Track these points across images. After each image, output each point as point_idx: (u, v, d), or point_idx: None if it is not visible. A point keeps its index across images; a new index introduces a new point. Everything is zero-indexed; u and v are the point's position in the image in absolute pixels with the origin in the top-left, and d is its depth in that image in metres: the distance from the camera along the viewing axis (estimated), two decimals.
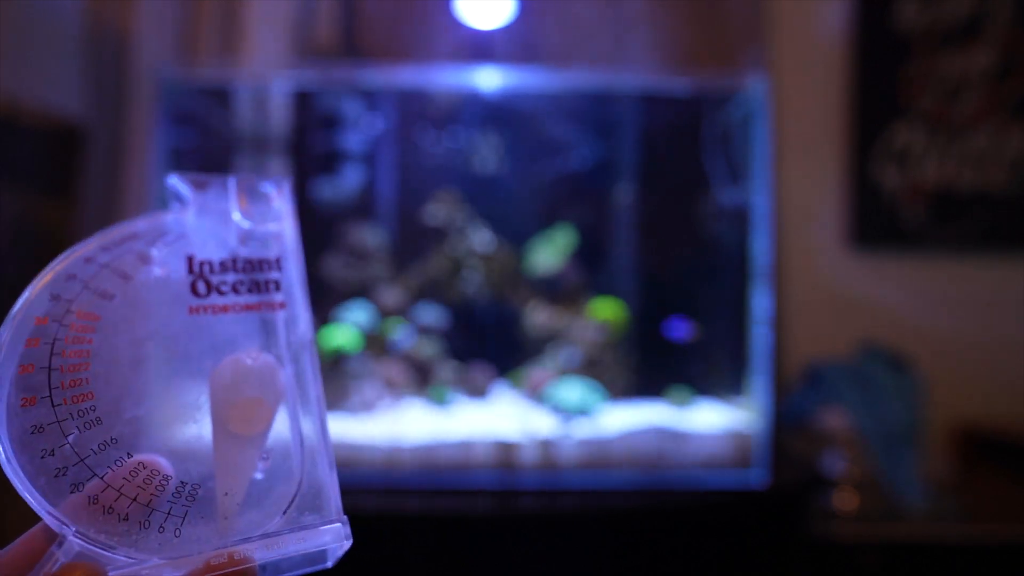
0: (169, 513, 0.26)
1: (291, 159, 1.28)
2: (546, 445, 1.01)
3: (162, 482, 0.26)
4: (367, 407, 1.08)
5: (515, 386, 1.20)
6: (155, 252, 0.30)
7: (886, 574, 1.06)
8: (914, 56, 1.47)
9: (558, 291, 1.25)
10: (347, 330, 1.12)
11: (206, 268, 0.30)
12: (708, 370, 1.19)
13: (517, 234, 1.27)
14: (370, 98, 1.27)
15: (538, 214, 1.30)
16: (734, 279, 1.10)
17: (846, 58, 1.48)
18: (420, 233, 1.26)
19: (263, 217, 0.32)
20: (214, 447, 0.27)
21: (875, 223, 1.47)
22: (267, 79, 1.28)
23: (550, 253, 1.24)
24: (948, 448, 1.43)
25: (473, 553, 0.93)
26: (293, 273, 0.31)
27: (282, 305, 0.31)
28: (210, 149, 1.23)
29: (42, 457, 0.25)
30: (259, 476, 0.27)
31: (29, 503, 0.24)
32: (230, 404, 0.28)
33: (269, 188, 0.33)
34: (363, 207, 1.28)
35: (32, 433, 0.25)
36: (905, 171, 1.47)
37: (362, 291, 1.21)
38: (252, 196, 0.32)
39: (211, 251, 0.30)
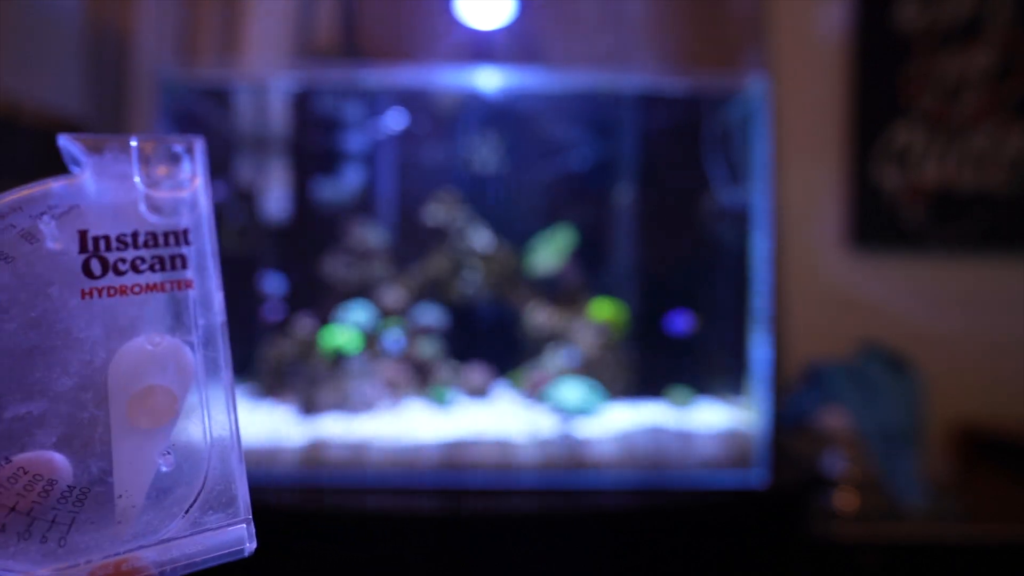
0: (53, 521, 0.23)
1: (291, 159, 1.28)
2: (546, 445, 1.01)
3: (46, 487, 0.23)
4: (367, 407, 1.08)
5: (515, 386, 1.20)
6: (42, 227, 0.26)
7: (886, 574, 1.06)
8: (914, 56, 1.47)
9: (558, 291, 1.25)
10: (347, 330, 1.12)
11: (101, 244, 0.26)
12: (708, 370, 1.19)
13: (517, 234, 1.27)
14: (370, 98, 1.27)
15: (538, 214, 1.30)
16: (734, 279, 1.10)
17: (846, 58, 1.48)
18: (420, 233, 1.26)
19: (171, 183, 0.28)
20: (113, 441, 0.25)
21: (875, 223, 1.47)
22: (267, 79, 1.28)
23: (550, 253, 1.24)
24: (948, 448, 1.43)
25: (473, 553, 0.93)
26: (206, 246, 0.28)
27: (190, 284, 0.27)
28: (210, 149, 1.23)
29: None
30: (164, 469, 0.25)
31: None
32: (130, 394, 0.25)
33: (178, 149, 0.29)
34: (363, 207, 1.28)
35: None
36: (905, 171, 1.47)
37: (362, 291, 1.21)
38: (158, 158, 0.28)
39: (108, 224, 0.27)
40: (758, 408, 1.04)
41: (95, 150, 0.27)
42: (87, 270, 0.26)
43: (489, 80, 1.16)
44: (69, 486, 0.24)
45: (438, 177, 1.29)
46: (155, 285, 0.27)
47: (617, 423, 1.05)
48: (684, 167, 1.25)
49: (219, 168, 1.23)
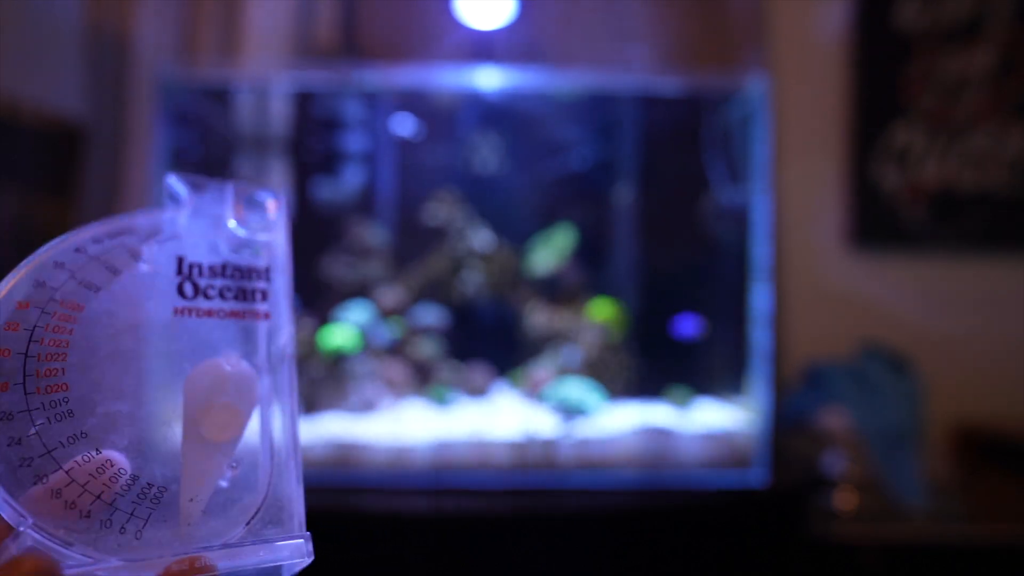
0: (132, 514, 0.25)
1: (291, 159, 1.28)
2: (546, 445, 1.01)
3: (128, 482, 0.25)
4: (367, 407, 1.08)
5: (515, 386, 1.20)
6: (146, 249, 0.29)
7: (886, 574, 1.06)
8: (914, 56, 1.47)
9: (558, 291, 1.25)
10: (347, 330, 1.12)
11: (195, 271, 0.30)
12: (708, 370, 1.19)
13: (517, 234, 1.27)
14: (370, 98, 1.27)
15: (538, 214, 1.30)
16: (734, 279, 1.10)
17: (846, 58, 1.48)
18: (420, 233, 1.26)
19: (257, 226, 0.32)
20: (183, 450, 0.27)
21: (875, 223, 1.47)
22: (267, 79, 1.28)
23: (550, 253, 1.24)
24: (948, 448, 1.43)
25: (473, 553, 0.93)
26: (281, 285, 0.31)
27: (266, 315, 0.30)
28: (210, 149, 1.23)
29: (8, 445, 0.24)
30: (225, 484, 0.27)
31: None
32: (203, 408, 0.27)
33: (266, 198, 0.33)
34: (363, 207, 1.28)
35: (1, 420, 0.24)
36: (905, 171, 1.47)
37: (362, 291, 1.21)
38: (248, 204, 0.32)
39: (201, 254, 0.30)
40: (758, 408, 1.04)
41: (197, 190, 0.31)
42: (180, 291, 0.29)
43: (489, 80, 1.16)
44: (148, 483, 0.26)
45: (438, 177, 1.29)
46: (236, 312, 0.30)
47: (617, 423, 1.05)
48: (684, 167, 1.25)
49: (219, 168, 1.23)
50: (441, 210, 1.25)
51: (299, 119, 1.29)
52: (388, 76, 1.20)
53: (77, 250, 0.28)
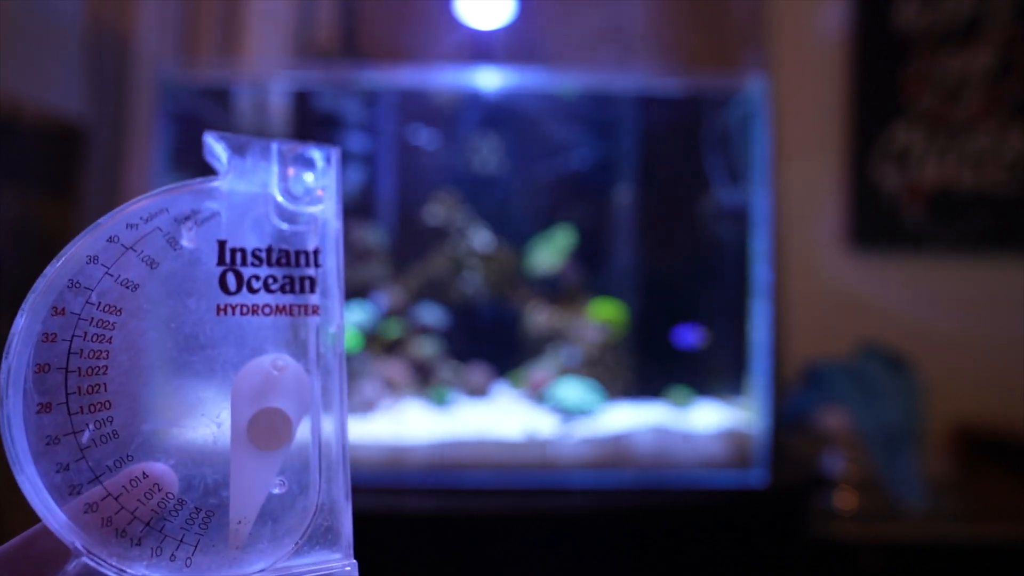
0: (182, 540, 0.24)
1: None
2: (546, 445, 1.01)
3: (176, 506, 0.24)
4: (367, 407, 1.08)
5: (515, 386, 1.20)
6: (184, 232, 0.26)
7: (886, 574, 1.06)
8: (914, 56, 1.47)
9: (558, 291, 1.25)
10: (347, 330, 1.12)
11: (238, 257, 0.27)
12: (708, 370, 1.19)
13: (517, 234, 1.27)
14: (370, 98, 1.27)
15: (538, 214, 1.30)
16: (734, 279, 1.10)
17: (846, 58, 1.48)
18: (420, 233, 1.26)
19: (305, 196, 0.28)
20: (231, 462, 0.25)
21: (875, 223, 1.47)
22: (267, 79, 1.28)
23: (550, 253, 1.24)
24: (948, 448, 1.43)
25: (473, 553, 0.93)
26: (331, 269, 0.28)
27: (315, 310, 0.27)
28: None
29: (56, 471, 0.23)
30: (273, 498, 0.26)
31: (42, 517, 0.23)
32: (251, 416, 0.26)
33: (316, 157, 0.29)
34: (363, 207, 1.28)
35: (47, 444, 0.23)
36: (905, 171, 1.47)
37: (362, 291, 1.21)
38: (296, 165, 0.28)
39: (245, 235, 0.27)
40: (758, 408, 1.04)
41: (238, 152, 0.28)
42: (223, 284, 0.26)
43: (489, 80, 1.16)
44: (196, 507, 0.24)
45: (438, 177, 1.29)
46: (283, 308, 0.27)
47: (617, 423, 1.05)
48: (684, 167, 1.25)
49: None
50: (441, 210, 1.25)
51: (299, 119, 1.29)
52: (388, 76, 1.20)
53: (110, 239, 0.25)
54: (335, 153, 0.29)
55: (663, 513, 0.97)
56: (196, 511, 0.24)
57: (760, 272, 1.05)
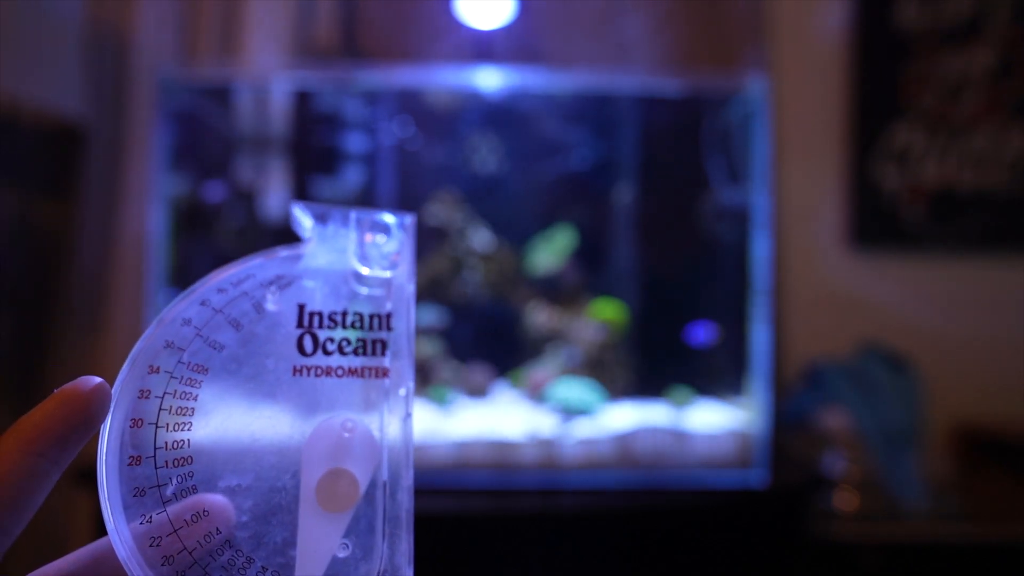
0: None
1: (291, 159, 1.28)
2: (546, 445, 1.01)
3: (245, 563, 0.24)
4: None
5: (515, 386, 1.20)
6: (269, 296, 0.28)
7: (886, 574, 1.06)
8: (914, 56, 1.47)
9: (558, 291, 1.25)
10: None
11: (315, 321, 0.28)
12: (708, 370, 1.19)
13: (517, 234, 1.27)
14: (370, 98, 1.27)
15: (538, 214, 1.30)
16: (734, 279, 1.10)
17: (846, 58, 1.48)
18: (420, 233, 1.26)
19: (381, 261, 0.29)
20: (299, 523, 0.25)
21: (875, 223, 1.47)
22: (267, 79, 1.28)
23: (550, 253, 1.24)
24: (948, 448, 1.43)
25: (473, 553, 0.93)
26: (403, 332, 0.29)
27: (387, 372, 0.28)
28: (210, 149, 1.23)
29: (140, 523, 0.24)
30: (340, 556, 0.25)
31: (128, 568, 0.23)
32: (319, 477, 0.26)
33: (392, 225, 0.30)
34: (363, 207, 1.28)
35: (134, 496, 0.24)
36: (905, 171, 1.47)
37: None
38: (373, 232, 0.30)
39: (322, 299, 0.28)
40: (758, 408, 1.04)
41: (321, 220, 0.29)
42: (300, 346, 0.27)
43: (489, 80, 1.16)
44: (263, 567, 0.24)
45: (438, 177, 1.29)
46: (355, 370, 0.28)
47: (617, 423, 1.05)
48: (684, 167, 1.25)
49: (219, 168, 1.23)
50: (441, 210, 1.25)
51: (299, 119, 1.29)
52: (388, 76, 1.20)
53: (203, 303, 0.27)
54: (410, 220, 0.30)
55: (663, 513, 0.97)
56: (263, 570, 0.25)
57: (760, 272, 1.05)
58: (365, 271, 0.29)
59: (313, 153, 1.30)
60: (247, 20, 1.31)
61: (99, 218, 1.27)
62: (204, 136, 1.20)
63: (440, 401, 1.11)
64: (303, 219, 0.30)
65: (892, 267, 1.48)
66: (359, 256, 0.29)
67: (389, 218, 0.30)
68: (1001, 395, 1.44)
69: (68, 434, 0.22)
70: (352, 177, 1.29)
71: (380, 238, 0.30)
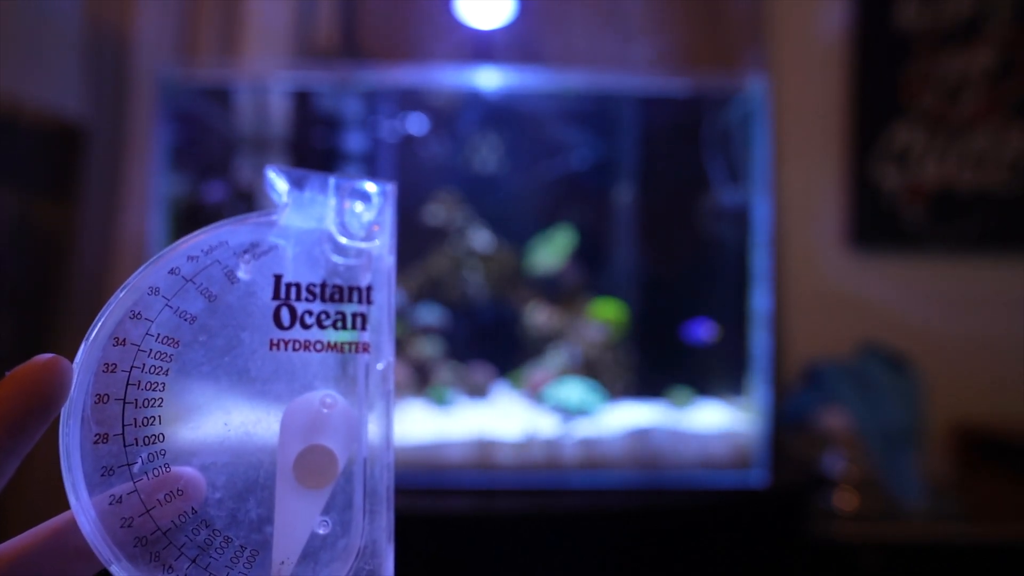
0: None
1: (291, 159, 1.28)
2: (546, 445, 1.01)
3: (222, 543, 0.24)
4: None
5: (515, 386, 1.20)
6: (242, 265, 0.26)
7: (886, 574, 1.06)
8: (914, 56, 1.47)
9: (558, 291, 1.25)
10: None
11: (292, 292, 0.27)
12: (708, 370, 1.19)
13: (517, 234, 1.27)
14: (370, 98, 1.27)
15: (538, 214, 1.30)
16: (734, 279, 1.10)
17: (846, 58, 1.48)
18: (420, 233, 1.26)
19: (360, 231, 0.28)
20: (276, 499, 0.25)
21: (875, 223, 1.47)
22: (267, 79, 1.28)
23: (550, 253, 1.24)
24: (948, 448, 1.43)
25: (473, 553, 0.93)
26: (383, 306, 0.28)
27: (367, 347, 0.27)
28: (210, 149, 1.23)
29: (109, 503, 0.23)
30: (321, 532, 0.25)
31: (96, 550, 0.23)
32: (296, 453, 0.25)
33: (372, 193, 0.29)
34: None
35: (102, 475, 0.23)
36: (905, 171, 1.47)
37: None
38: (352, 199, 0.28)
39: (300, 269, 0.27)
40: (758, 408, 1.04)
41: (297, 185, 0.28)
42: (277, 319, 0.26)
43: (489, 80, 1.16)
44: (242, 545, 0.24)
45: (438, 177, 1.29)
46: (334, 344, 0.27)
47: (617, 423, 1.05)
48: (684, 167, 1.25)
49: (219, 168, 1.23)
50: (441, 210, 1.25)
51: (299, 119, 1.29)
52: (388, 76, 1.20)
53: (172, 271, 0.25)
54: (391, 188, 0.29)
55: (663, 513, 0.97)
56: (241, 549, 0.24)
57: (760, 272, 1.05)
58: (344, 240, 0.28)
59: (313, 153, 1.30)
60: (247, 20, 1.31)
61: (99, 218, 1.27)
62: (204, 136, 1.20)
63: (440, 401, 1.11)
64: (278, 183, 0.28)
65: (892, 267, 1.48)
66: (338, 225, 0.28)
67: (370, 186, 0.29)
68: (1001, 395, 1.44)
69: (24, 420, 0.21)
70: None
71: (359, 206, 0.28)
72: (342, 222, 0.28)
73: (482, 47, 1.35)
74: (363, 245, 0.28)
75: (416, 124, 1.27)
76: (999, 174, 1.47)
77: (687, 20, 1.39)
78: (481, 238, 1.26)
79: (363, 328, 0.27)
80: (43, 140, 1.24)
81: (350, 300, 0.27)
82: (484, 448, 1.00)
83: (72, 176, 1.27)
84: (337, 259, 0.28)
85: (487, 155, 1.28)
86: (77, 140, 1.27)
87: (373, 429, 0.27)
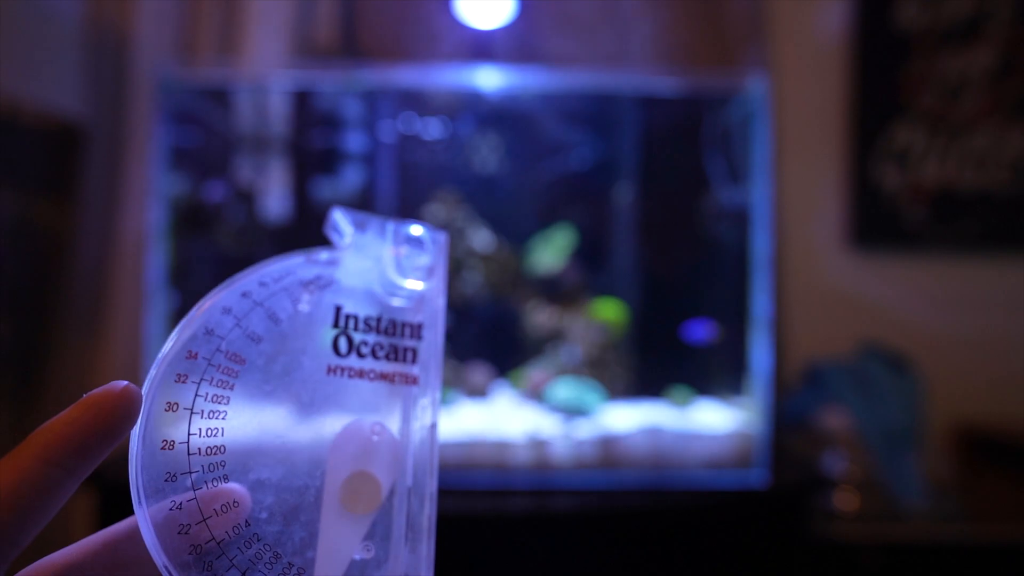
0: None
1: (291, 159, 1.28)
2: (546, 445, 1.01)
3: (271, 559, 0.24)
4: None
5: (515, 386, 1.20)
6: (306, 294, 0.28)
7: (886, 574, 1.06)
8: (914, 56, 1.47)
9: (558, 291, 1.25)
10: None
11: (351, 323, 0.28)
12: (708, 370, 1.19)
13: (517, 234, 1.27)
14: (370, 98, 1.27)
15: (538, 214, 1.30)
16: (734, 279, 1.10)
17: (846, 58, 1.48)
18: None
19: (414, 273, 0.30)
20: (321, 522, 0.25)
21: (875, 223, 1.47)
22: (267, 79, 1.28)
23: (550, 253, 1.24)
24: (948, 448, 1.43)
25: (472, 553, 0.93)
26: (432, 344, 0.29)
27: (416, 380, 0.29)
28: (210, 149, 1.23)
29: (170, 509, 0.23)
30: (359, 557, 0.26)
31: (152, 554, 0.23)
32: (344, 478, 0.26)
33: (426, 239, 0.31)
34: (363, 207, 1.28)
35: (165, 480, 0.24)
36: (905, 171, 1.47)
37: None
38: (408, 245, 0.30)
39: (358, 303, 0.29)
40: (758, 408, 1.04)
41: (360, 228, 0.30)
42: (335, 347, 0.28)
43: (489, 80, 1.16)
44: (289, 563, 0.25)
45: (438, 177, 1.29)
46: (387, 375, 0.28)
47: (617, 423, 1.05)
48: (684, 167, 1.25)
49: (219, 168, 1.23)
50: (441, 210, 1.25)
51: (299, 119, 1.29)
52: (388, 76, 1.20)
53: (244, 294, 0.27)
54: (443, 237, 0.31)
55: (663, 513, 0.97)
56: (289, 566, 0.25)
57: (760, 272, 1.05)
58: (399, 281, 0.30)
59: (313, 153, 1.30)
60: (247, 20, 1.31)
61: (99, 218, 1.27)
62: (204, 136, 1.20)
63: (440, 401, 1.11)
64: (343, 225, 0.30)
65: (892, 267, 1.48)
66: (394, 266, 0.30)
67: (424, 233, 0.31)
68: (1001, 395, 1.44)
69: (90, 443, 0.22)
70: (352, 177, 1.29)
71: (414, 251, 0.31)
72: (398, 264, 0.30)
73: (482, 47, 1.35)
74: (416, 286, 0.30)
75: (416, 124, 1.27)
76: (1000, 174, 1.47)
77: (687, 20, 1.38)
78: (481, 238, 1.26)
79: (413, 362, 0.29)
80: (43, 140, 1.24)
81: (403, 335, 0.29)
82: (484, 448, 1.00)
83: (72, 176, 1.27)
84: (392, 298, 0.30)
85: (487, 155, 1.28)
86: (77, 140, 1.27)
87: (419, 460, 0.28)
